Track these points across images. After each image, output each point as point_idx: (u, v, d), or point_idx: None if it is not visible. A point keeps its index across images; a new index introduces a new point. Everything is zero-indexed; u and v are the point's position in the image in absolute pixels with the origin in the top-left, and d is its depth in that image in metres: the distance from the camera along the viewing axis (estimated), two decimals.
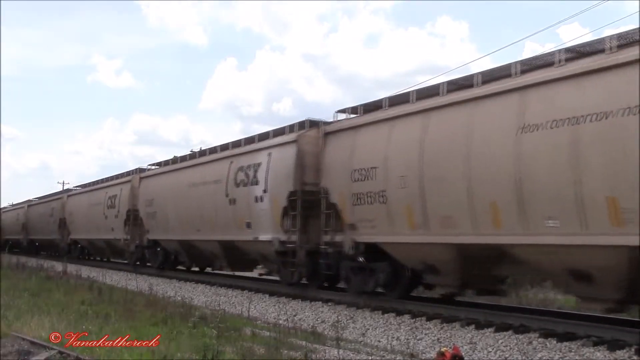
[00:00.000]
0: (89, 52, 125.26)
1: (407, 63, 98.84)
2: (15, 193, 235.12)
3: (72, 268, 25.43)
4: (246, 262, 20.43)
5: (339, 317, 12.48)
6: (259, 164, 17.43)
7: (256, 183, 17.35)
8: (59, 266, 26.21)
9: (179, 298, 16.85)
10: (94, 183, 34.78)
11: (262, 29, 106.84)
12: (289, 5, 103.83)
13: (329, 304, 14.84)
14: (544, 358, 9.25)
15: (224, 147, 20.78)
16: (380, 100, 14.34)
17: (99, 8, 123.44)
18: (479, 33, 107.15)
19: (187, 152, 26.46)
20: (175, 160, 25.05)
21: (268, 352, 9.02)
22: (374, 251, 13.85)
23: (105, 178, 33.03)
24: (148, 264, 26.56)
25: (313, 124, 16.40)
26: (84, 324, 11.00)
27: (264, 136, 18.63)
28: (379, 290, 14.45)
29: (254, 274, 22.22)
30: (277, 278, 18.77)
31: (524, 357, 9.46)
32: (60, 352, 8.74)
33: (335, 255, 14.85)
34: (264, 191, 16.96)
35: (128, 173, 29.64)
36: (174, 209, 22.70)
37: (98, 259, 35.64)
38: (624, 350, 8.92)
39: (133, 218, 26.40)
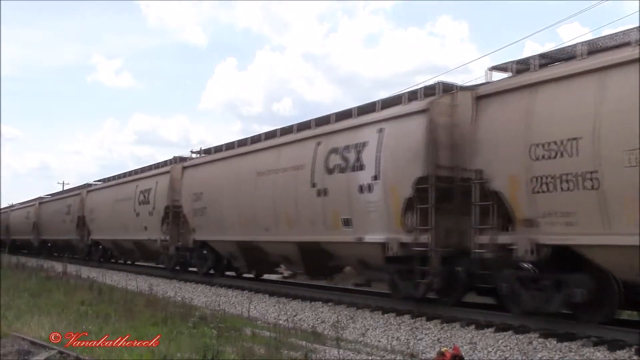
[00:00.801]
0: (88, 52, 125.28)
1: (406, 63, 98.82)
2: (15, 193, 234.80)
3: (72, 268, 25.43)
4: (331, 269, 17.07)
5: (339, 317, 12.49)
6: (363, 144, 13.69)
7: (360, 168, 13.63)
8: (59, 266, 26.22)
9: (179, 298, 16.87)
10: (120, 176, 30.40)
11: (262, 29, 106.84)
12: (289, 5, 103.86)
13: (329, 304, 14.83)
14: (544, 358, 9.25)
15: (304, 125, 16.89)
16: (572, 48, 10.54)
17: (99, 8, 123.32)
18: (479, 33, 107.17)
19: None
20: (231, 145, 20.59)
21: (268, 352, 9.03)
22: (555, 257, 10.35)
23: (135, 170, 29.03)
24: (191, 269, 22.99)
25: (447, 88, 12.80)
26: (84, 324, 11.05)
27: (367, 108, 14.68)
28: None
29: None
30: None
31: (524, 357, 9.46)
32: (60, 352, 8.77)
33: (496, 262, 11.24)
34: (374, 178, 13.23)
35: (165, 163, 25.53)
36: (232, 203, 18.76)
37: (122, 262, 31.84)
38: (624, 351, 8.92)
39: (173, 215, 22.53)
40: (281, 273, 22.82)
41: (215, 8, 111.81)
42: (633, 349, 8.85)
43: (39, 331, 10.39)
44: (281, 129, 17.89)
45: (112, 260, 32.32)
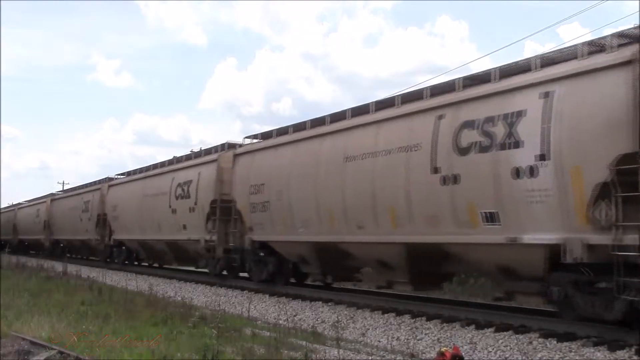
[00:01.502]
0: (88, 52, 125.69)
1: (406, 63, 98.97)
2: (15, 193, 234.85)
3: (72, 268, 25.44)
4: (442, 277, 13.92)
5: (339, 317, 12.49)
6: (517, 113, 10.57)
7: (515, 145, 10.52)
8: (59, 266, 26.23)
9: (179, 298, 16.88)
10: (150, 167, 26.78)
11: (262, 29, 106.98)
12: (288, 5, 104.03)
13: (329, 304, 14.84)
14: (544, 358, 9.25)
15: (410, 96, 13.51)
16: None
17: (99, 8, 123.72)
18: (479, 33, 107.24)
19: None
20: (301, 125, 16.79)
21: (268, 352, 9.03)
22: None
23: (169, 160, 25.36)
24: (242, 274, 20.09)
25: None
26: (84, 324, 11.03)
27: (513, 69, 11.32)
28: None
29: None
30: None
31: (524, 357, 9.46)
32: (60, 352, 8.75)
33: None
34: (540, 158, 10.09)
35: (208, 151, 22.06)
36: (307, 196, 15.55)
37: (145, 264, 28.55)
38: (624, 351, 8.91)
39: (221, 212, 19.40)
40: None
41: (214, 8, 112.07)
42: (633, 349, 8.85)
43: (39, 331, 10.38)
44: (376, 102, 14.38)
45: (136, 263, 29.03)
